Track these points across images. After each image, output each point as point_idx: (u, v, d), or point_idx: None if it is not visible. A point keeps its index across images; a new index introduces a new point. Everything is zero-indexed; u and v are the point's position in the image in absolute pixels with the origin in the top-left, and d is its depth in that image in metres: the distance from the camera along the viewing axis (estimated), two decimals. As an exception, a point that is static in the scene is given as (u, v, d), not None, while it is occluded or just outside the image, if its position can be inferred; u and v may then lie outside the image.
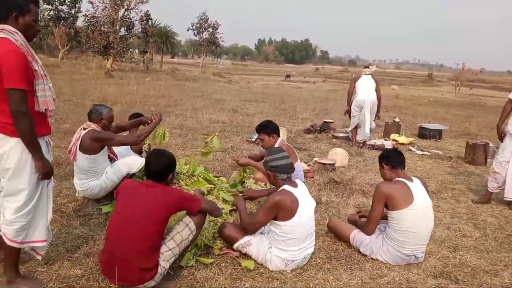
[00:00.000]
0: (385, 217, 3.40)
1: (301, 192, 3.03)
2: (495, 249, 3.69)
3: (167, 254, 2.66)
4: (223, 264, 3.05)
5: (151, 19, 30.91)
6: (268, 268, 3.03)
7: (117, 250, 2.53)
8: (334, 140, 8.18)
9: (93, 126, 3.78)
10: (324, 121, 9.15)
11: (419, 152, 7.63)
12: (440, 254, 3.48)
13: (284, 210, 2.90)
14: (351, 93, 7.78)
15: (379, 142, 7.84)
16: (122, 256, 2.51)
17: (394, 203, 3.14)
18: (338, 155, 6.22)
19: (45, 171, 2.51)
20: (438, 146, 8.49)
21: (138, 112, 4.91)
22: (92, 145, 3.70)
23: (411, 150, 7.75)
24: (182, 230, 2.74)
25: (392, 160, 3.34)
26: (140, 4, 27.32)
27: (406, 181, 3.21)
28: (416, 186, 3.21)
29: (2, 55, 2.30)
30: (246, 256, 3.13)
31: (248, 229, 3.07)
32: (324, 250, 3.40)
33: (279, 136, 4.37)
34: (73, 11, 32.11)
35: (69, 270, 2.80)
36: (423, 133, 9.35)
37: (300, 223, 2.96)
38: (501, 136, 4.83)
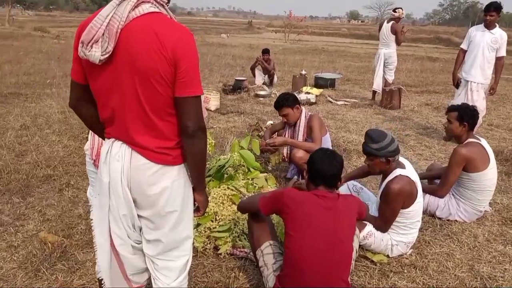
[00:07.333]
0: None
1: (412, 171, 2.79)
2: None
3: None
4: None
5: None
6: (388, 255, 2.81)
7: (319, 284, 1.94)
8: (260, 99, 7.92)
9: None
10: (236, 79, 8.71)
11: (339, 102, 8.02)
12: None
13: (408, 198, 2.67)
14: None
15: (303, 96, 7.91)
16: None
17: (475, 165, 3.21)
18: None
19: (205, 207, 1.72)
20: (343, 94, 9.06)
21: None
22: None
23: (331, 102, 8.09)
24: (353, 242, 2.25)
25: (474, 121, 3.34)
26: None
27: (480, 142, 3.30)
28: (486, 144, 3.33)
29: (178, 43, 1.41)
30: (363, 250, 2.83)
31: (384, 229, 2.78)
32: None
33: (300, 106, 3.92)
34: None
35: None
36: (319, 83, 9.77)
37: (421, 204, 2.79)
38: (457, 83, 5.40)
